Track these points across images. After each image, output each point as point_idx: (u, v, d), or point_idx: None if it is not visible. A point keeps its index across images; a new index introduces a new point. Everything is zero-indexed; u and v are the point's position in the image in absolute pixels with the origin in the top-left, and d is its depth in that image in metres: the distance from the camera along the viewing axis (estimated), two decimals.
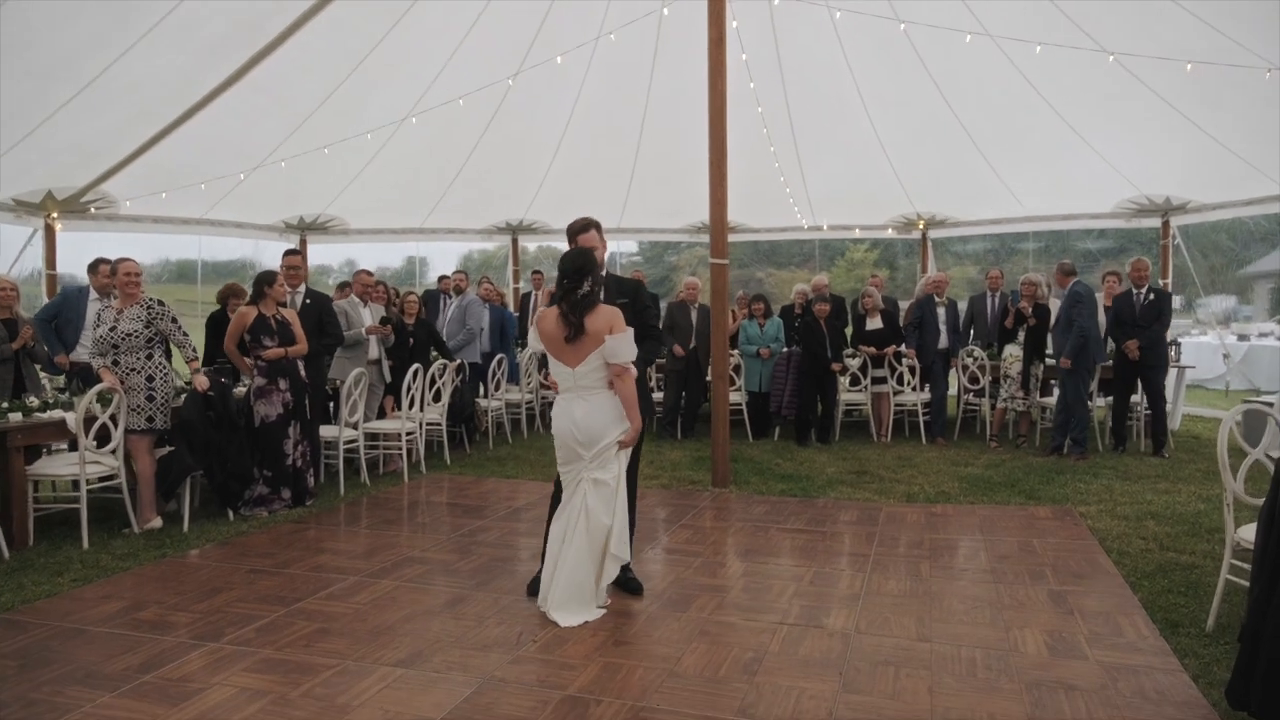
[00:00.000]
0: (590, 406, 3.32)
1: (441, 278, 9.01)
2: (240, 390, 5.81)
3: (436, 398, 7.17)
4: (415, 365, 6.72)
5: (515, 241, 11.24)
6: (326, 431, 6.30)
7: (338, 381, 6.52)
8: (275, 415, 5.57)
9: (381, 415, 7.10)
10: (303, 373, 5.76)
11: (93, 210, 7.68)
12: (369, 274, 7.11)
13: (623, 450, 3.35)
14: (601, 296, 3.35)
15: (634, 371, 3.36)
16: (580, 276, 3.32)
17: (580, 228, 3.61)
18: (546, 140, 9.47)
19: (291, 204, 9.53)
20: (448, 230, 10.83)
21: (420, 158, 9.09)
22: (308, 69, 7.17)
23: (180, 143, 7.08)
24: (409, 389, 6.61)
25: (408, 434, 6.71)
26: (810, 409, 7.94)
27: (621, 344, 3.25)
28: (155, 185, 7.56)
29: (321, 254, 11.15)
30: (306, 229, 9.98)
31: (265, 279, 5.70)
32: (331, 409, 6.66)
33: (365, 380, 6.37)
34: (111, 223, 7.79)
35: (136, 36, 6.03)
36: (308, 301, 6.23)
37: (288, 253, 6.31)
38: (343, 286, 7.26)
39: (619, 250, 12.31)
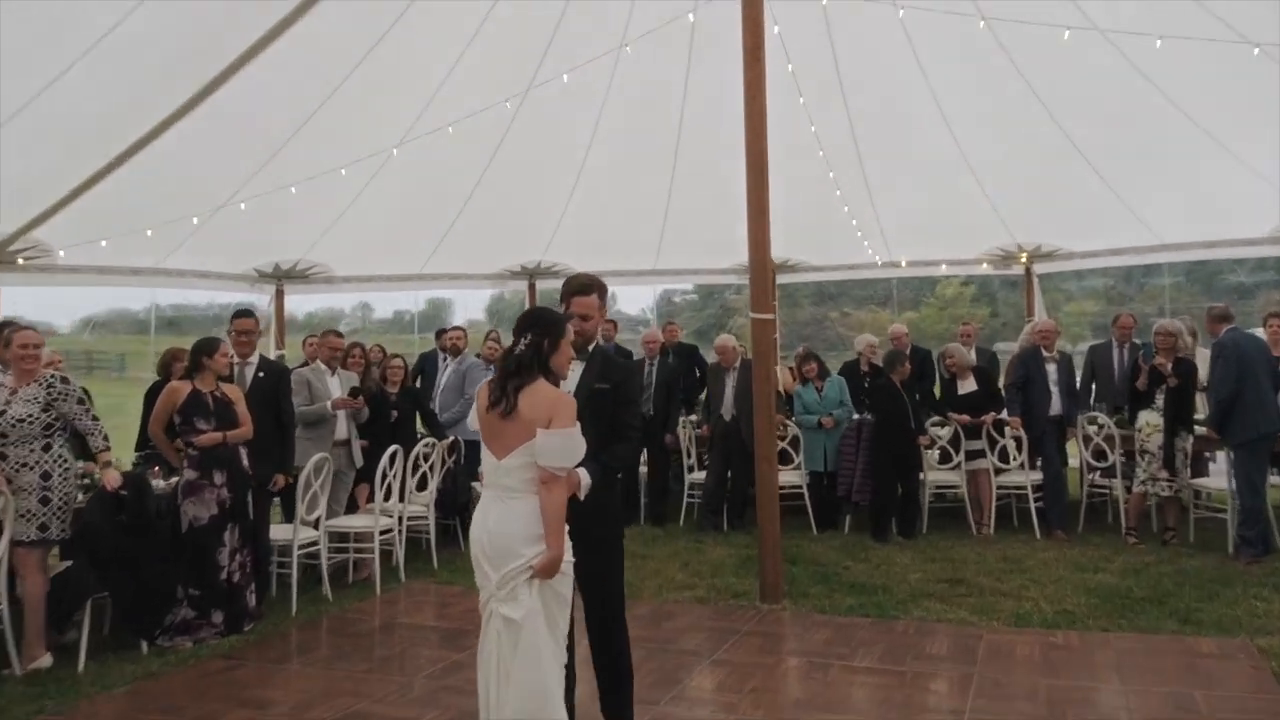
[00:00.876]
0: (507, 513, 3.08)
1: (440, 332, 8.91)
2: (161, 484, 5.56)
3: (422, 485, 7.03)
4: (394, 446, 6.53)
5: (532, 287, 11.13)
6: (279, 533, 6.10)
7: (293, 470, 6.17)
8: (207, 517, 5.31)
9: (352, 509, 6.88)
10: (245, 463, 5.52)
11: (20, 261, 7.52)
12: (338, 336, 6.99)
13: (547, 583, 3.04)
14: (550, 364, 3.14)
15: (578, 480, 3.14)
16: (523, 333, 3.14)
17: (577, 288, 3.50)
18: (564, 169, 9.37)
19: (264, 249, 9.45)
20: (451, 276, 10.73)
21: (416, 193, 9.00)
22: (275, 94, 6.99)
23: (126, 181, 6.87)
24: (386, 475, 6.43)
25: (383, 532, 6.52)
26: (888, 493, 7.68)
27: (557, 443, 3.00)
28: (95, 231, 7.34)
29: (301, 304, 11.26)
30: (284, 277, 9.89)
31: (204, 348, 5.49)
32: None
33: (329, 467, 6.19)
34: (46, 274, 7.62)
35: (72, 58, 5.91)
36: (260, 375, 6.05)
37: (237, 315, 6.13)
38: (352, 348, 7.09)
39: (673, 289, 12.16)
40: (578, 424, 3.04)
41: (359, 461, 6.88)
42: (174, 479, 5.52)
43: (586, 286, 3.54)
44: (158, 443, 5.55)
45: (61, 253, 7.59)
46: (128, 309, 11.11)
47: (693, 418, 8.79)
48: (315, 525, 6.16)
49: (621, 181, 9.43)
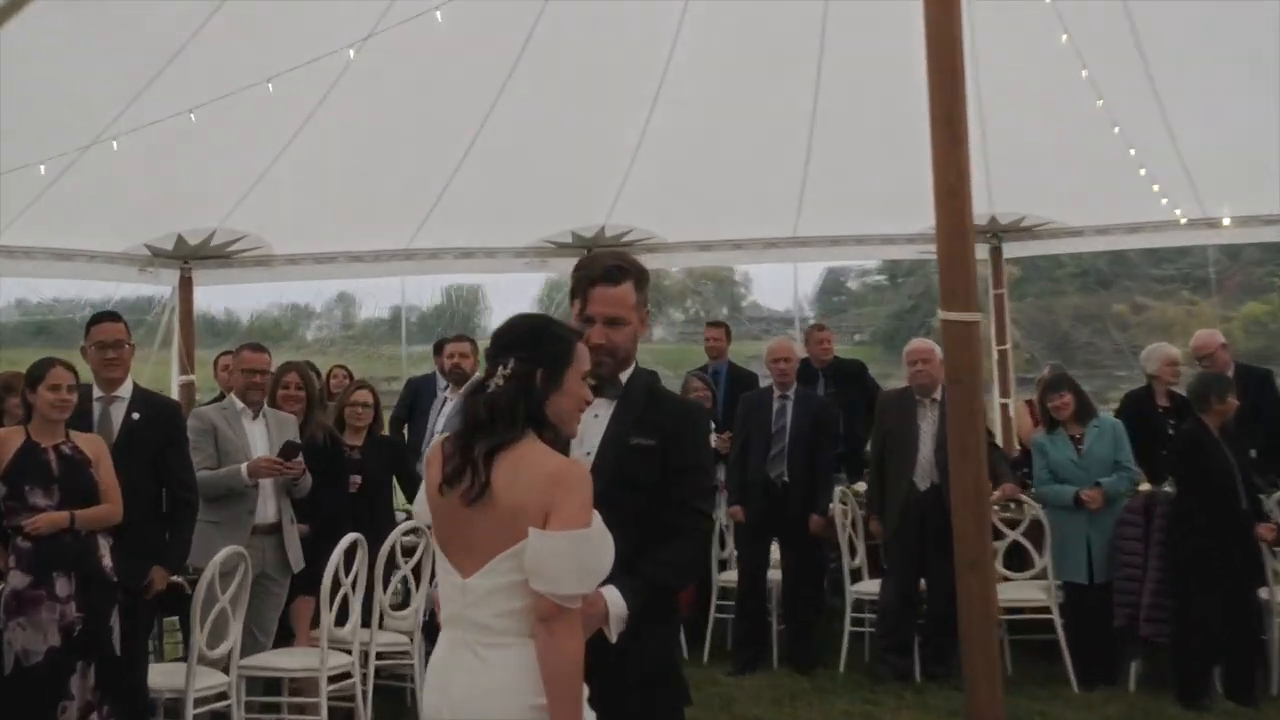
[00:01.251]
0: (481, 672, 3.14)
1: (439, 345, 9.30)
2: None
3: (403, 599, 7.26)
4: (352, 535, 6.61)
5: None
6: (164, 677, 6.07)
7: (190, 570, 6.31)
8: (44, 651, 5.30)
9: (286, 639, 6.90)
10: (106, 561, 5.55)
11: None
12: (258, 351, 7.04)
13: None
14: (546, 410, 3.20)
15: (602, 609, 3.26)
16: (500, 357, 3.23)
17: (599, 274, 3.62)
18: (637, 85, 9.49)
19: (159, 216, 9.69)
20: (460, 251, 11.11)
21: (396, 125, 9.28)
22: None
23: None
24: (340, 583, 6.51)
25: (336, 679, 6.56)
26: (1204, 622, 7.39)
27: (564, 550, 3.04)
28: None
29: (231, 299, 12.33)
30: (191, 257, 10.18)
31: (37, 371, 5.58)
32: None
33: (245, 568, 6.18)
34: None
35: None
36: (134, 416, 6.15)
37: (95, 319, 6.25)
38: (286, 372, 7.48)
39: (846, 266, 13.05)
40: (596, 515, 3.06)
41: (297, 561, 6.90)
42: None
43: (614, 272, 3.59)
44: None
45: None
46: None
47: (858, 487, 8.80)
48: (224, 667, 6.14)
49: (732, 100, 9.47)
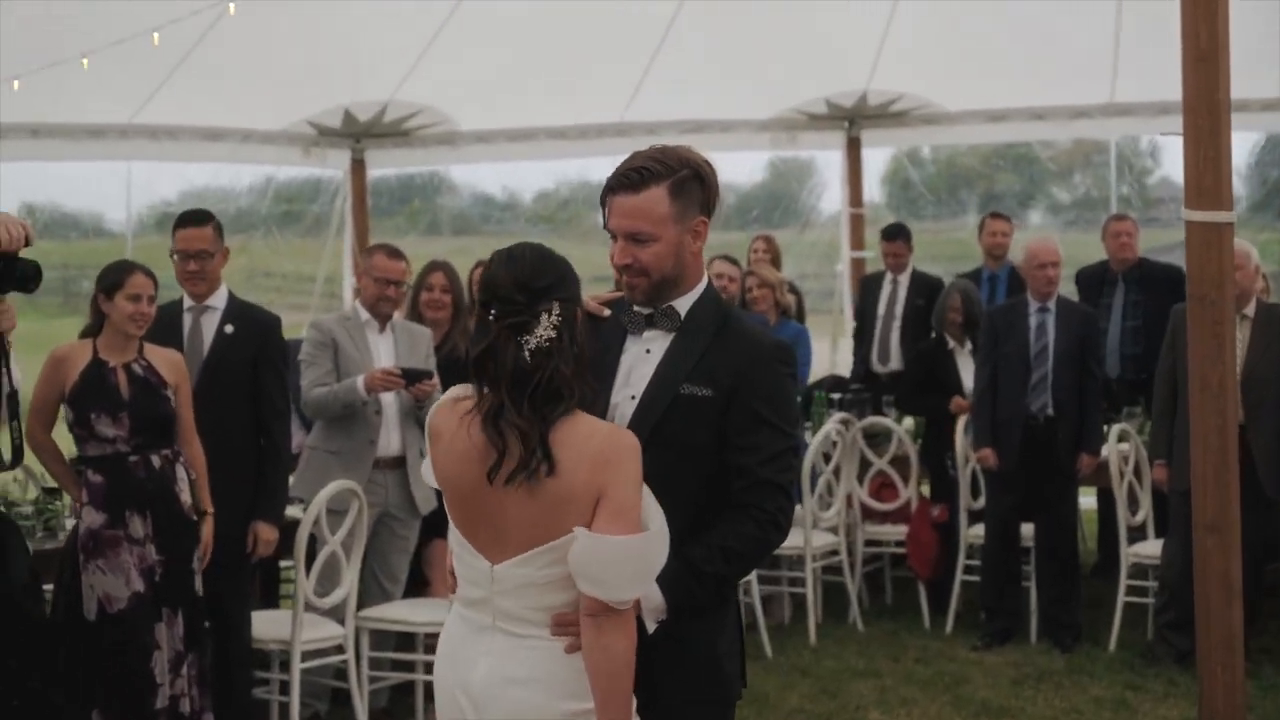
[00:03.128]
0: (513, 661, 3.10)
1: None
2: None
3: None
4: None
5: (855, 145, 11.19)
6: (268, 627, 6.12)
7: (300, 507, 6.21)
8: (127, 599, 5.29)
9: (418, 589, 6.82)
10: (185, 497, 5.46)
11: None
12: (396, 259, 6.69)
13: None
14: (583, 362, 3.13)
15: (659, 604, 3.17)
16: (542, 303, 3.03)
17: (619, 180, 3.30)
18: None
19: (319, 86, 9.59)
20: (688, 125, 10.54)
21: None
22: None
23: None
24: None
25: None
26: None
27: (621, 556, 2.93)
28: None
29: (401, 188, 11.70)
30: (364, 135, 10.24)
31: (113, 277, 5.40)
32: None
33: (359, 505, 6.03)
34: None
35: None
36: (228, 329, 6.01)
37: (183, 220, 6.10)
38: (431, 272, 7.27)
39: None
40: (651, 501, 3.00)
41: (426, 501, 6.64)
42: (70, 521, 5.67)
43: (633, 176, 3.23)
44: (39, 456, 5.57)
45: None
46: (85, 206, 11.86)
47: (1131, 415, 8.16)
48: (339, 619, 6.15)
49: None
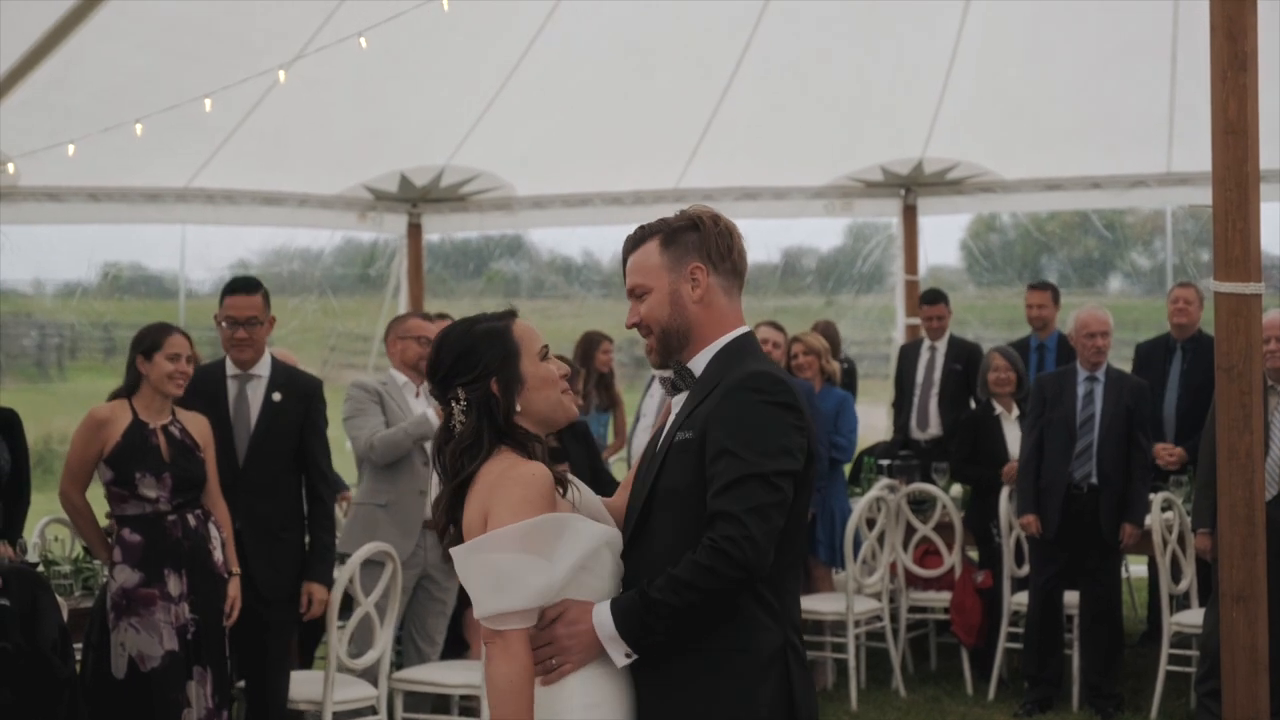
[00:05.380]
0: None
1: None
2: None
3: None
4: None
5: (911, 214, 11.28)
6: (301, 687, 6.07)
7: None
8: (160, 657, 5.32)
9: (456, 647, 6.87)
10: (217, 555, 5.53)
11: None
12: (426, 319, 6.90)
13: None
14: (513, 418, 3.18)
15: (586, 633, 3.13)
16: (449, 393, 3.17)
17: (627, 244, 3.42)
18: None
19: (375, 152, 9.70)
20: (742, 192, 10.77)
21: (650, 43, 9.36)
22: None
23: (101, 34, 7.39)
24: None
25: None
26: None
27: (465, 562, 3.01)
28: (48, 129, 7.80)
29: (462, 251, 11.89)
30: (421, 200, 10.34)
31: (152, 338, 5.48)
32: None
33: (393, 567, 6.04)
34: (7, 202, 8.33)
35: None
36: (275, 397, 6.02)
37: (232, 287, 6.14)
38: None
39: None
40: (548, 520, 2.97)
41: None
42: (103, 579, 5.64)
43: (633, 237, 3.36)
44: (71, 516, 5.61)
45: (10, 166, 7.96)
46: (139, 262, 11.97)
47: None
48: (372, 680, 6.11)
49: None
